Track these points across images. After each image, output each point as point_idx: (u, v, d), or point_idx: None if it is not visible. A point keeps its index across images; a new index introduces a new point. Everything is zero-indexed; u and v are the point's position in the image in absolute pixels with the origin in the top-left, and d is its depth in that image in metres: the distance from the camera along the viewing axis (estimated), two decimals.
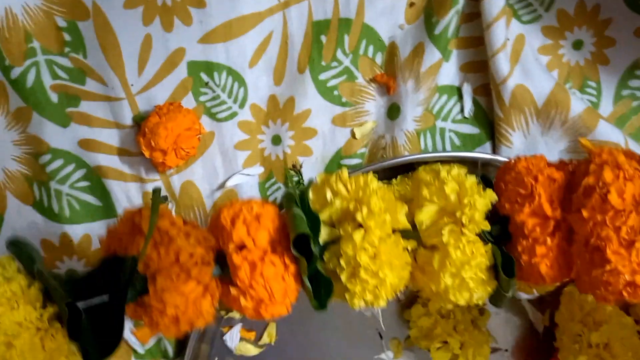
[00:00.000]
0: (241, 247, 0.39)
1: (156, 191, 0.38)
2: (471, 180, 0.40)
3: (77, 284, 0.38)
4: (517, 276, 0.40)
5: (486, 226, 0.40)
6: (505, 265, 0.40)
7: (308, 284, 0.39)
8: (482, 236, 0.40)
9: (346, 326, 0.59)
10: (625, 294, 0.36)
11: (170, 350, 0.56)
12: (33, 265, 0.38)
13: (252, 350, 0.58)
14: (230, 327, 0.57)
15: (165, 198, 0.54)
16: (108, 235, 0.40)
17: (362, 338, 0.59)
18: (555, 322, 0.56)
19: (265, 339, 0.58)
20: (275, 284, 0.38)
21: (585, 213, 0.37)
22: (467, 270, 0.39)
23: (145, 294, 0.37)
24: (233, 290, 0.38)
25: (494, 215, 0.42)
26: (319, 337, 0.59)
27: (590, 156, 0.39)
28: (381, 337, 0.59)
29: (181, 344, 0.57)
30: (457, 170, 0.41)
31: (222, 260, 0.40)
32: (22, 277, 0.38)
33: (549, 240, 0.39)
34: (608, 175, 0.37)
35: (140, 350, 0.56)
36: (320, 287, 0.39)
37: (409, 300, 0.59)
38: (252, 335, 0.58)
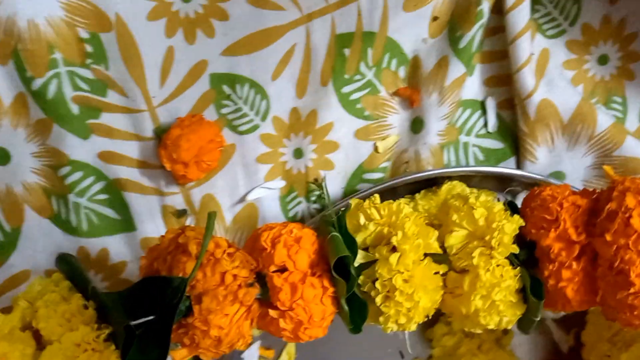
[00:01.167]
0: (281, 269, 0.39)
1: (211, 215, 0.38)
2: (499, 206, 0.42)
3: (122, 303, 0.38)
4: (544, 302, 0.41)
5: (515, 249, 0.41)
6: (533, 288, 0.41)
7: (346, 306, 0.39)
8: (511, 260, 0.41)
9: (367, 345, 0.58)
10: None
11: None
12: (88, 285, 0.37)
13: None
14: (249, 344, 0.56)
15: (185, 212, 0.53)
16: (149, 254, 0.40)
17: (383, 357, 0.58)
18: (582, 341, 0.55)
19: (284, 358, 0.57)
20: (314, 306, 0.38)
21: (608, 237, 0.38)
22: (497, 293, 0.40)
23: (188, 315, 0.37)
24: (272, 312, 0.38)
25: (520, 241, 0.43)
26: (339, 356, 0.57)
27: (613, 183, 0.40)
28: (402, 356, 0.58)
29: None
30: (484, 197, 0.43)
31: (259, 282, 0.40)
32: (79, 297, 0.37)
33: (574, 264, 0.40)
34: (630, 200, 0.38)
35: None
36: (355, 309, 0.40)
37: (431, 319, 0.58)
38: (270, 353, 0.57)
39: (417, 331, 0.58)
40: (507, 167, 0.55)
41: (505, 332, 0.57)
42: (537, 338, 0.59)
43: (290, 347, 0.57)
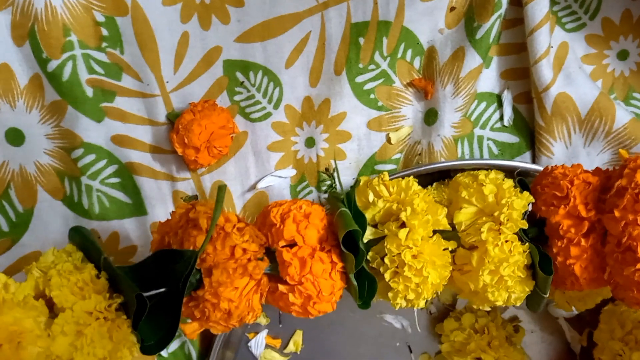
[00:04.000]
0: (291, 244, 0.39)
1: (221, 188, 0.38)
2: (508, 183, 0.42)
3: (134, 275, 0.38)
4: (552, 280, 0.40)
5: (524, 224, 0.41)
6: (542, 263, 0.40)
7: (354, 281, 0.39)
8: (520, 236, 0.41)
9: (375, 338, 0.57)
10: None
11: (194, 355, 0.55)
12: (100, 256, 0.37)
13: (277, 358, 0.56)
14: (256, 333, 0.56)
15: (196, 197, 0.53)
16: (160, 228, 0.40)
17: (390, 351, 0.57)
18: (594, 341, 0.54)
19: (291, 347, 0.56)
20: (323, 281, 0.38)
21: (617, 213, 0.37)
22: (505, 268, 0.40)
23: (199, 288, 0.37)
24: (282, 287, 0.38)
25: (531, 219, 0.42)
26: (346, 348, 0.57)
27: (625, 162, 0.39)
28: (410, 350, 0.57)
29: (205, 349, 0.55)
30: (494, 174, 0.43)
31: (269, 257, 0.40)
32: (92, 267, 0.37)
33: (583, 241, 0.39)
34: None
35: (164, 354, 0.54)
36: (364, 285, 0.39)
37: (440, 314, 0.58)
38: (277, 342, 0.56)
39: (425, 326, 0.58)
40: (523, 162, 0.54)
41: (517, 329, 0.56)
42: (548, 337, 0.58)
43: (297, 337, 0.56)
